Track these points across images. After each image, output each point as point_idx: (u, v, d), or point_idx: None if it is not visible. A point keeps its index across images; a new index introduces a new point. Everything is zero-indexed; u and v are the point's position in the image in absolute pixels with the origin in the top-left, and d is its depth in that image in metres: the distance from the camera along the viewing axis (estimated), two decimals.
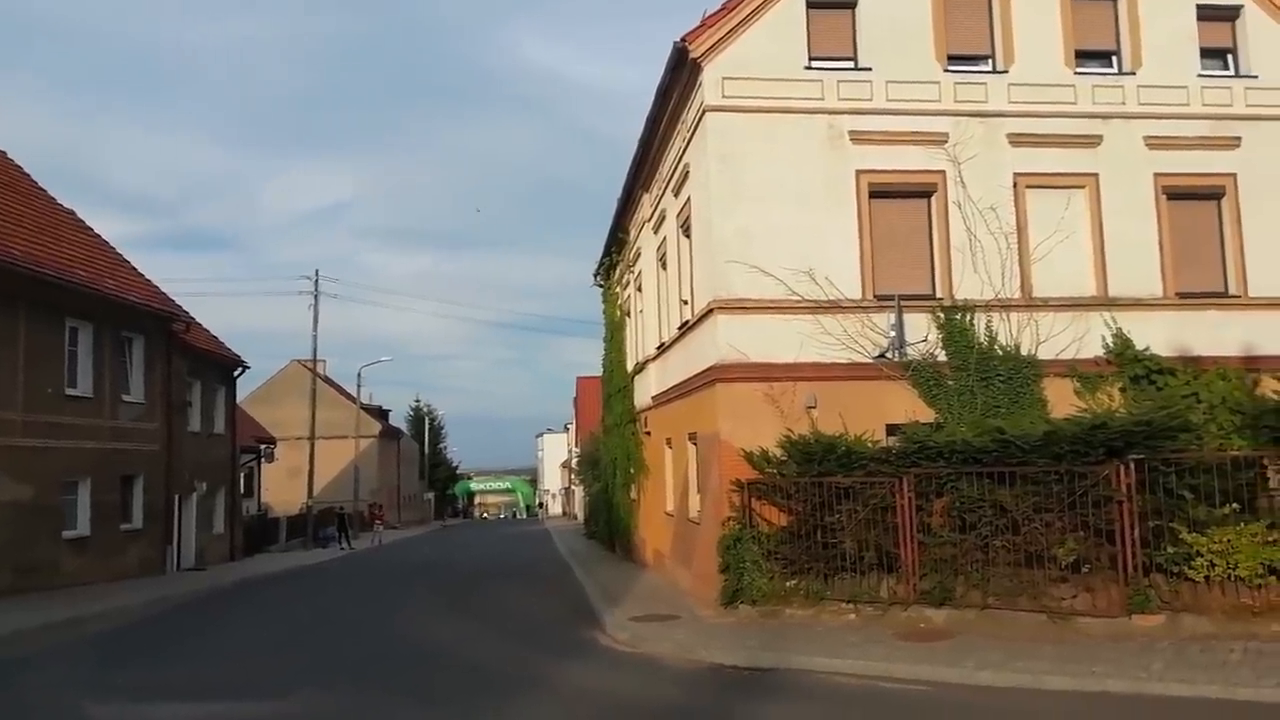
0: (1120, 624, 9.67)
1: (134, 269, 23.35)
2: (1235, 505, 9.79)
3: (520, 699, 8.23)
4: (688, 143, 14.10)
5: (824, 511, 11.30)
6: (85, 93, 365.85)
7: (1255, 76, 13.72)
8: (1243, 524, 9.67)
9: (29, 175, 22.98)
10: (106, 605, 15.28)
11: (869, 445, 11.59)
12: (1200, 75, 13.70)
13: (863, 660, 8.94)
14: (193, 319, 24.11)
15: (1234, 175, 13.53)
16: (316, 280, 36.83)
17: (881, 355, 12.59)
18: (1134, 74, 13.59)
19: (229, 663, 10.44)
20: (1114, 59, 13.81)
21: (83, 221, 23.22)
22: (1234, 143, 13.55)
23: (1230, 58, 14.05)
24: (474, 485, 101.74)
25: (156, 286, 23.51)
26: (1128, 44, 13.68)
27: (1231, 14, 13.94)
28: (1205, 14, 13.80)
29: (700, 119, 13.12)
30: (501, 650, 10.64)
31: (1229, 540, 9.62)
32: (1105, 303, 13.08)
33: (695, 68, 13.00)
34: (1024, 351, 12.77)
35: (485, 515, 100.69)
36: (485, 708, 7.89)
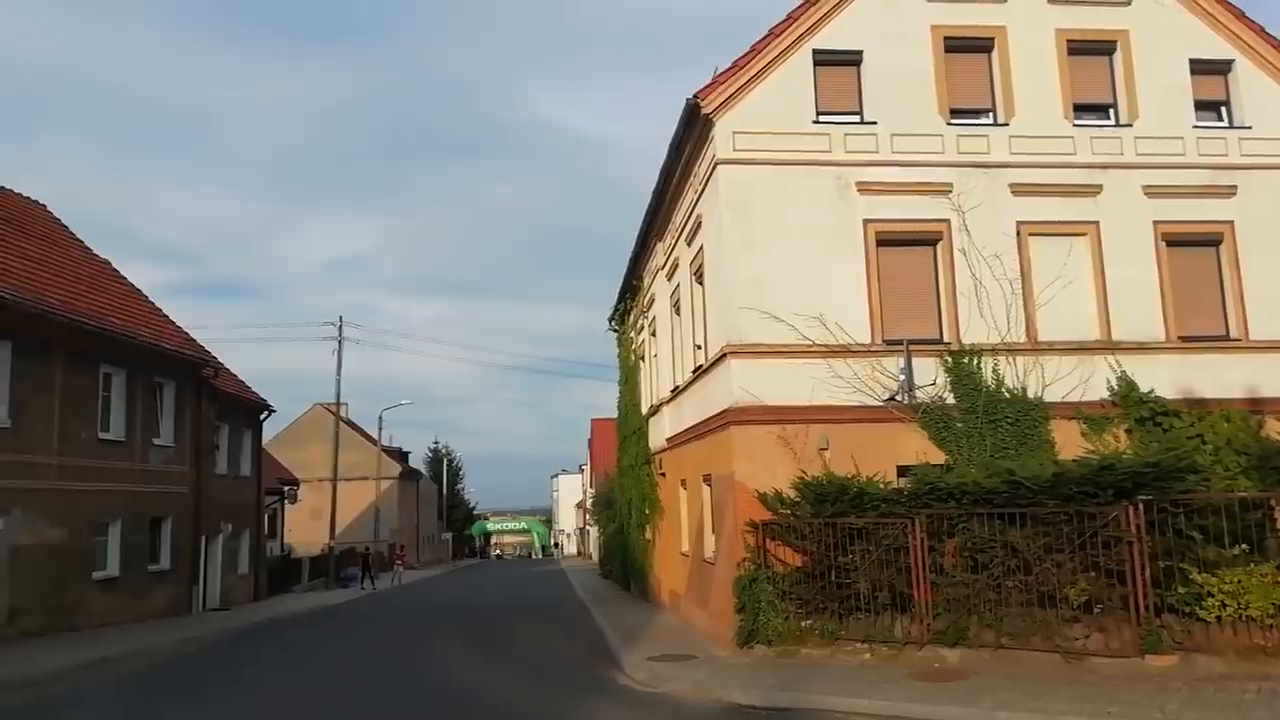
0: (1134, 664, 9.75)
1: (165, 316, 24.08)
2: (1244, 546, 9.92)
3: None
4: (700, 194, 14.62)
5: (837, 552, 11.48)
6: (122, 149, 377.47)
7: (1249, 127, 14.12)
8: (1252, 564, 9.78)
9: (67, 227, 23.91)
10: (137, 645, 15.59)
11: (881, 487, 11.78)
12: (1195, 126, 14.11)
13: (880, 700, 9.00)
14: (221, 364, 24.70)
15: (1231, 222, 13.85)
16: (340, 326, 37.56)
17: (891, 398, 12.88)
18: (1131, 126, 14.02)
19: (264, 703, 10.67)
20: (1111, 111, 14.26)
21: (117, 271, 24.05)
22: (1230, 191, 13.90)
23: (1224, 109, 14.47)
24: (490, 525, 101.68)
25: (187, 333, 24.21)
26: (1124, 97, 14.14)
27: (1224, 68, 14.39)
28: (1198, 68, 14.25)
29: (712, 171, 13.63)
30: (524, 689, 10.85)
31: (1239, 581, 9.72)
32: (1109, 346, 13.33)
33: (707, 122, 13.54)
34: (1031, 394, 13.02)
35: (500, 554, 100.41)
36: None
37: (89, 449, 18.98)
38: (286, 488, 35.69)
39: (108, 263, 24.03)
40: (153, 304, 24.12)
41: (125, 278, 24.08)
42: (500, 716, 9.52)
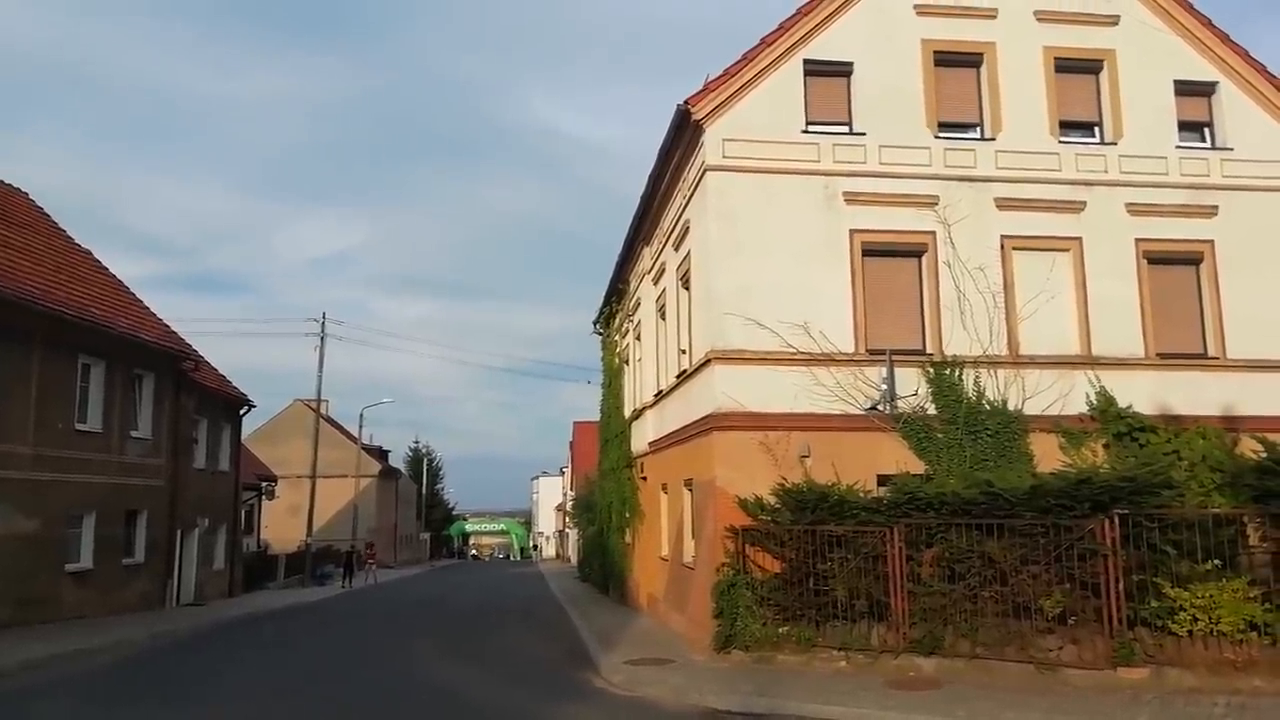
0: (1106, 676, 9.83)
1: (146, 308, 23.88)
2: (1216, 561, 10.00)
3: None
4: (688, 200, 14.66)
5: (816, 559, 11.53)
6: (114, 142, 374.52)
7: (1231, 149, 14.34)
8: (1224, 580, 9.88)
9: (49, 217, 23.67)
10: (111, 638, 15.42)
11: (860, 495, 11.82)
12: (1179, 147, 14.32)
13: (855, 707, 9.05)
14: (202, 358, 24.54)
15: (1211, 242, 14.05)
16: (323, 323, 37.38)
17: (873, 408, 12.95)
18: (1115, 144, 14.20)
19: (239, 699, 10.57)
20: (1096, 129, 14.44)
21: (99, 262, 23.84)
22: (1211, 211, 14.10)
23: (1207, 131, 14.69)
24: (469, 526, 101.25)
25: (168, 326, 24.02)
26: (1109, 116, 14.32)
27: (1208, 90, 14.62)
28: (1183, 89, 14.47)
29: (701, 178, 13.68)
30: (500, 692, 10.81)
31: (1211, 595, 9.81)
32: (1089, 361, 13.48)
33: (697, 129, 13.59)
34: (1011, 407, 13.14)
35: (477, 555, 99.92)
36: None
37: (65, 439, 18.77)
38: (264, 484, 35.44)
39: (89, 253, 23.82)
40: (134, 295, 23.92)
41: (107, 269, 23.88)
42: (475, 718, 9.47)
